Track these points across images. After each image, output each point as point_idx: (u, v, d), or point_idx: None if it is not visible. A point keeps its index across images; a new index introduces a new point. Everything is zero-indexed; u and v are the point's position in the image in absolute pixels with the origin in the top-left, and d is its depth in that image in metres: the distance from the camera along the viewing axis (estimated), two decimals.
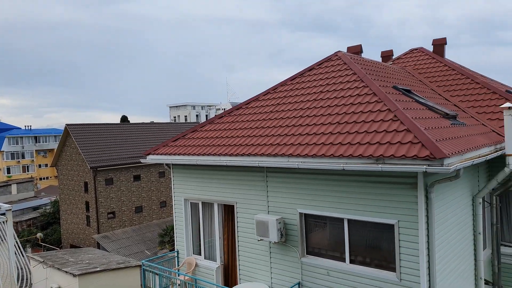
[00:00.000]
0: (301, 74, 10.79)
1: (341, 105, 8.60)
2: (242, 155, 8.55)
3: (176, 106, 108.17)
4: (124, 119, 76.30)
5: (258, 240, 8.67)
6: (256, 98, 10.87)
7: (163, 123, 44.18)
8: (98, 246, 30.11)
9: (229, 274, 9.95)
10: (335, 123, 8.03)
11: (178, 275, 10.24)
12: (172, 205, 13.83)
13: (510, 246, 9.89)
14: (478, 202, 8.55)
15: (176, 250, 10.90)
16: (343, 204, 7.48)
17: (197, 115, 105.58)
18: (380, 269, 7.16)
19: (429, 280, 6.67)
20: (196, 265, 10.33)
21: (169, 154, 10.32)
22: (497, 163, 9.06)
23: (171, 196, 14.52)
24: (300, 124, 8.61)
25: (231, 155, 8.77)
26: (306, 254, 8.19)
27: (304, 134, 8.14)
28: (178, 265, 10.77)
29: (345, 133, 7.55)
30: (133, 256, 27.90)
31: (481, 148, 7.51)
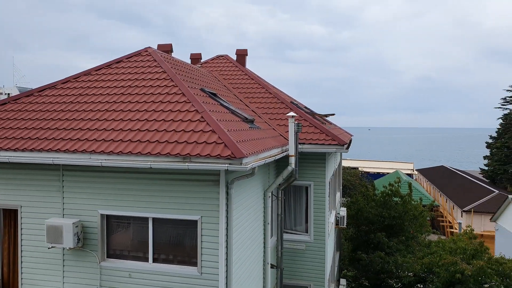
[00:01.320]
0: (108, 66, 10.07)
1: (150, 102, 8.43)
2: (32, 150, 7.37)
3: None
4: None
5: (49, 248, 7.63)
6: (53, 86, 9.56)
7: None
8: None
9: None
10: (143, 120, 7.81)
11: None
12: None
13: (290, 233, 11.72)
14: (268, 196, 9.80)
15: None
16: (148, 203, 7.34)
17: None
18: (183, 265, 7.33)
19: (227, 271, 7.23)
20: None
21: None
22: (283, 162, 10.59)
23: None
24: (105, 119, 8.01)
25: (16, 149, 7.44)
26: (107, 257, 7.67)
27: (110, 130, 7.62)
28: None
29: (153, 130, 7.44)
30: None
31: (271, 149, 8.63)
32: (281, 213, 10.53)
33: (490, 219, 31.49)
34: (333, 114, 15.16)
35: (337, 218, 14.24)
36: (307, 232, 11.63)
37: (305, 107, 16.24)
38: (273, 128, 11.40)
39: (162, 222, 7.41)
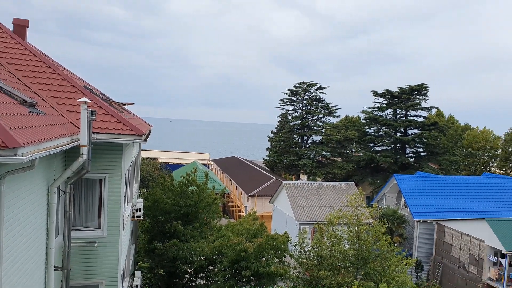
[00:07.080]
0: None
1: None
2: None
3: None
4: None
5: None
6: None
7: None
8: None
9: None
10: None
11: None
12: None
13: (80, 230, 10.75)
14: (53, 192, 8.69)
15: None
16: None
17: None
18: None
19: None
20: None
21: None
22: (73, 153, 9.57)
23: None
24: None
25: None
26: None
27: None
28: None
29: None
30: None
31: (59, 139, 7.66)
32: (69, 209, 9.52)
33: (269, 202, 36.88)
34: (132, 103, 14.71)
35: (134, 211, 13.90)
36: (100, 227, 10.90)
37: (101, 94, 15.15)
38: (62, 115, 10.15)
39: None
